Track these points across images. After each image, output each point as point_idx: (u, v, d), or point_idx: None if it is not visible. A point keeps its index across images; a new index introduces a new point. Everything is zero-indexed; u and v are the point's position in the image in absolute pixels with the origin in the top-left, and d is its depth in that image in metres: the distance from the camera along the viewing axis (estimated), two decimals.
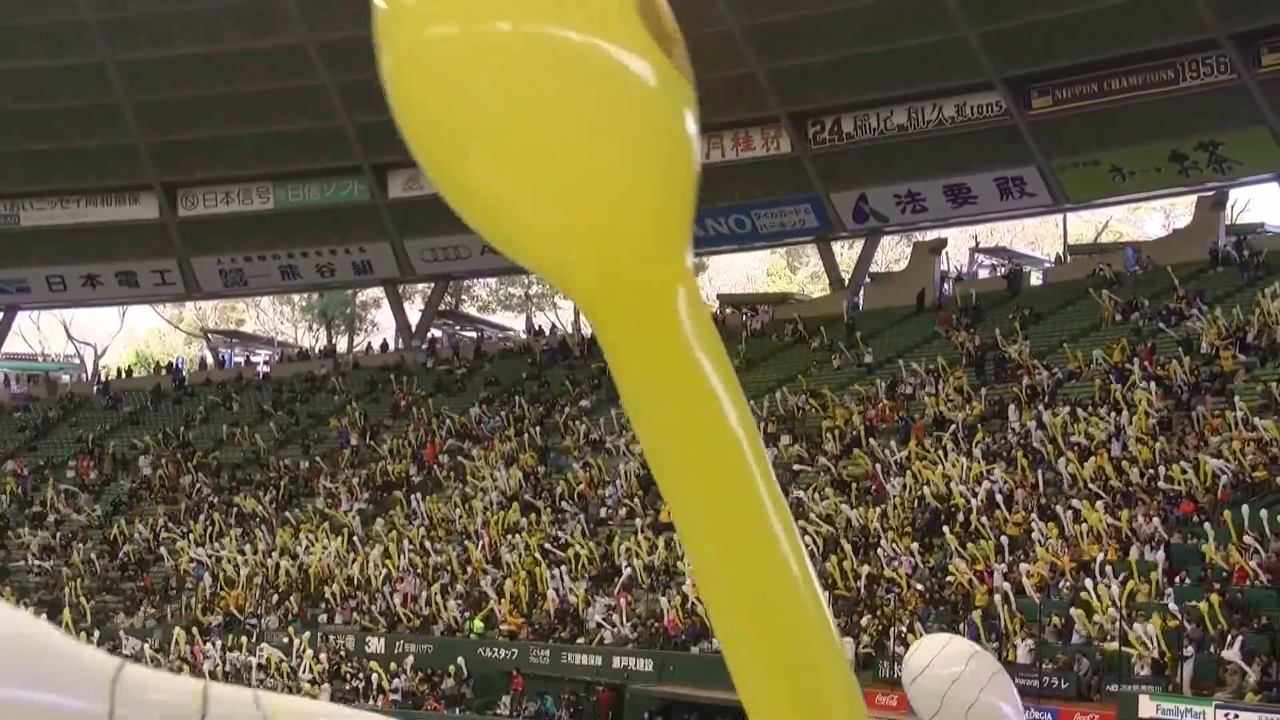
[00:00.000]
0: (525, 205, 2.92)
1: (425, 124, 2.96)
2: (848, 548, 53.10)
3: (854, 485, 57.83)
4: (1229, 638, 41.65)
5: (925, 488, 55.16)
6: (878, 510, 54.93)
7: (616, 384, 3.12)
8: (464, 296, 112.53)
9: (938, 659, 6.96)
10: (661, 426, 3.15)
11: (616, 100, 2.87)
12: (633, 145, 2.92)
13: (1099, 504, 49.48)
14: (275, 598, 65.19)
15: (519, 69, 2.79)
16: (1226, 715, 39.98)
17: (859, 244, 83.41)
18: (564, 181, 2.83)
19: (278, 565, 66.72)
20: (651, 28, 2.88)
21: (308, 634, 61.04)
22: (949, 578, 50.19)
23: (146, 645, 63.65)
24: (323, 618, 62.85)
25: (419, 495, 69.65)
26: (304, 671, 58.99)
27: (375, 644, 59.79)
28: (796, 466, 61.27)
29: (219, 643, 62.07)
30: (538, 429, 73.35)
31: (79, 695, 2.83)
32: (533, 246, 3.05)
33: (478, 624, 58.45)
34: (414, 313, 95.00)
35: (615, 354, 3.08)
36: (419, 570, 62.87)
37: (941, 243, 79.20)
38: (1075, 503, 50.15)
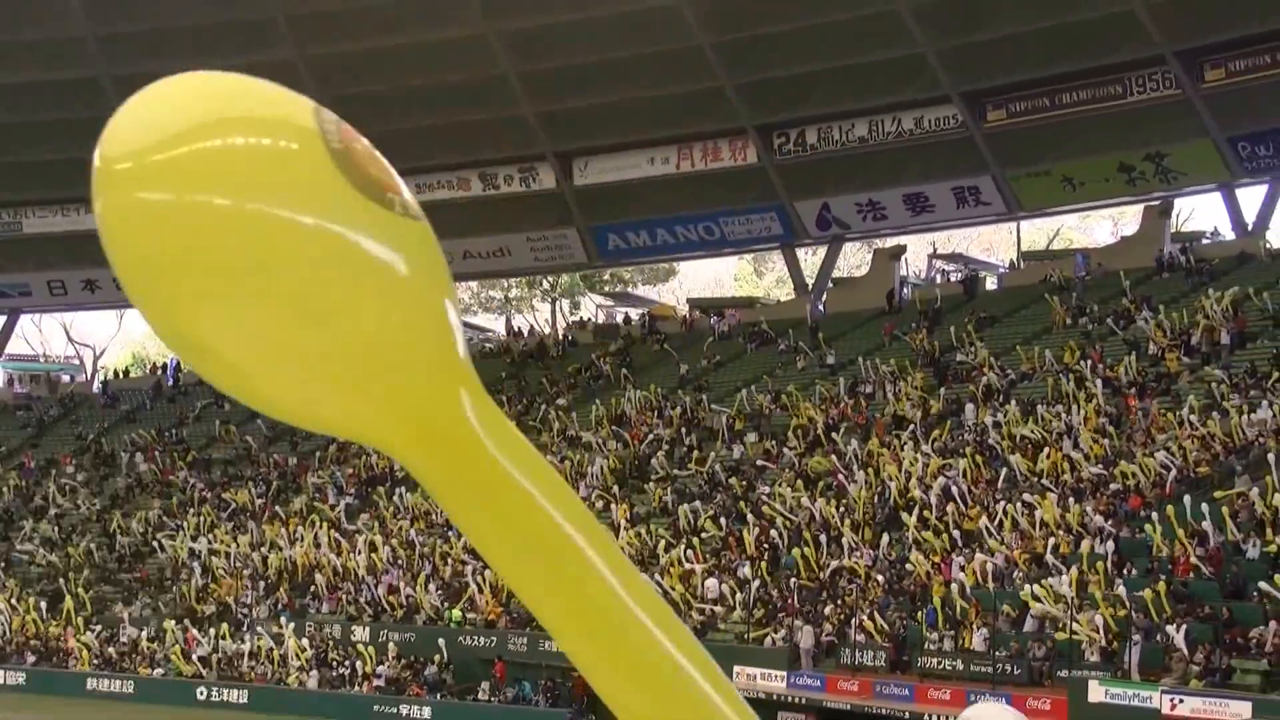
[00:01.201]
0: (253, 376, 2.79)
1: (131, 280, 2.81)
2: (811, 540, 53.12)
3: (820, 482, 57.82)
4: (1174, 626, 41.76)
5: (886, 483, 55.20)
6: (840, 504, 54.98)
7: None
8: None
9: None
10: (488, 537, 3.07)
11: (327, 269, 2.77)
12: (377, 306, 2.79)
13: (1051, 498, 49.55)
14: (265, 588, 65.08)
15: (223, 240, 2.68)
16: (1172, 700, 40.07)
17: (822, 250, 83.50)
18: (287, 354, 2.55)
19: (267, 557, 66.61)
20: (361, 186, 2.75)
21: (296, 623, 60.98)
22: (908, 568, 50.27)
23: (143, 633, 63.58)
24: (310, 607, 62.74)
25: (402, 489, 69.58)
26: (292, 658, 58.93)
27: (360, 632, 59.73)
28: (761, 462, 61.31)
29: (212, 631, 61.98)
30: (516, 426, 73.08)
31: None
32: (276, 408, 2.90)
33: (456, 613, 58.43)
34: None
35: (427, 486, 3.01)
36: (402, 561, 62.81)
37: (901, 249, 79.19)
38: (1028, 497, 50.26)
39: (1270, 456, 45.65)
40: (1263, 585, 41.28)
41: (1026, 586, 45.61)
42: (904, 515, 52.73)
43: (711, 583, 53.98)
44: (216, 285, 2.63)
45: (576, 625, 3.10)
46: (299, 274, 2.53)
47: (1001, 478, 52.85)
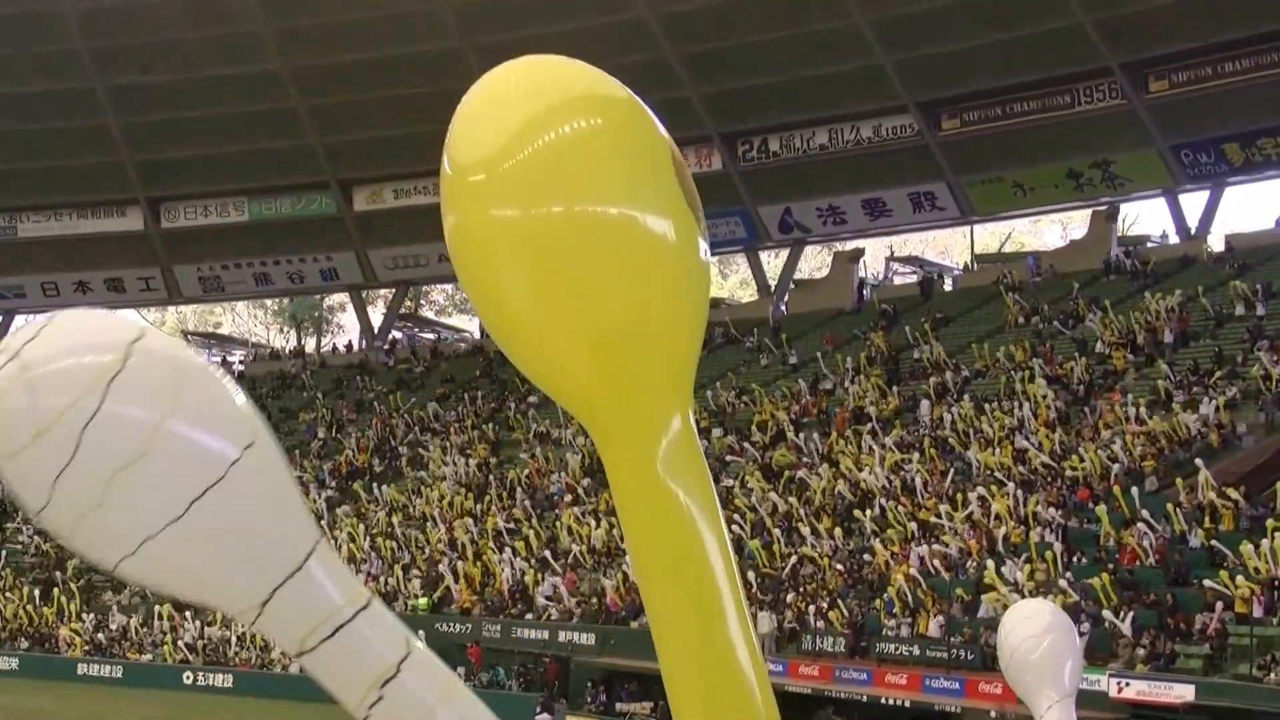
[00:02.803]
0: (561, 356, 3.07)
1: (476, 281, 3.02)
2: (775, 531, 53.12)
3: (783, 474, 57.81)
4: (1120, 612, 41.87)
5: (845, 476, 55.24)
6: (801, 497, 54.99)
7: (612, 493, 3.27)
8: (423, 301, 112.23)
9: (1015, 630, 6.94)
10: (639, 535, 3.24)
11: (646, 272, 2.99)
12: (657, 309, 3.02)
13: (1003, 491, 49.62)
14: None
15: (565, 250, 2.90)
16: (1118, 683, 40.15)
17: (784, 253, 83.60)
18: (593, 337, 2.98)
19: None
20: (687, 195, 3.06)
21: None
22: (867, 557, 50.32)
23: (132, 620, 63.41)
24: None
25: (381, 483, 69.54)
26: (274, 645, 58.73)
27: None
28: (728, 457, 61.31)
29: (198, 618, 61.84)
30: (490, 423, 73.27)
31: (298, 525, 2.95)
32: (562, 384, 3.20)
33: (423, 603, 58.36)
34: (376, 316, 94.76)
35: (611, 469, 3.23)
36: (381, 553, 62.71)
37: (860, 252, 79.29)
38: (981, 489, 50.33)
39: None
40: (1208, 583, 41.37)
41: (990, 564, 45.64)
42: (862, 507, 52.79)
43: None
44: (556, 286, 2.89)
45: (681, 627, 3.20)
46: (610, 260, 2.88)
47: (956, 471, 52.94)
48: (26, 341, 2.87)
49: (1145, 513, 45.16)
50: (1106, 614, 42.05)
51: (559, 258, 2.89)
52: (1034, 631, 6.73)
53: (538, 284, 2.95)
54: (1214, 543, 43.03)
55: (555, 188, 2.87)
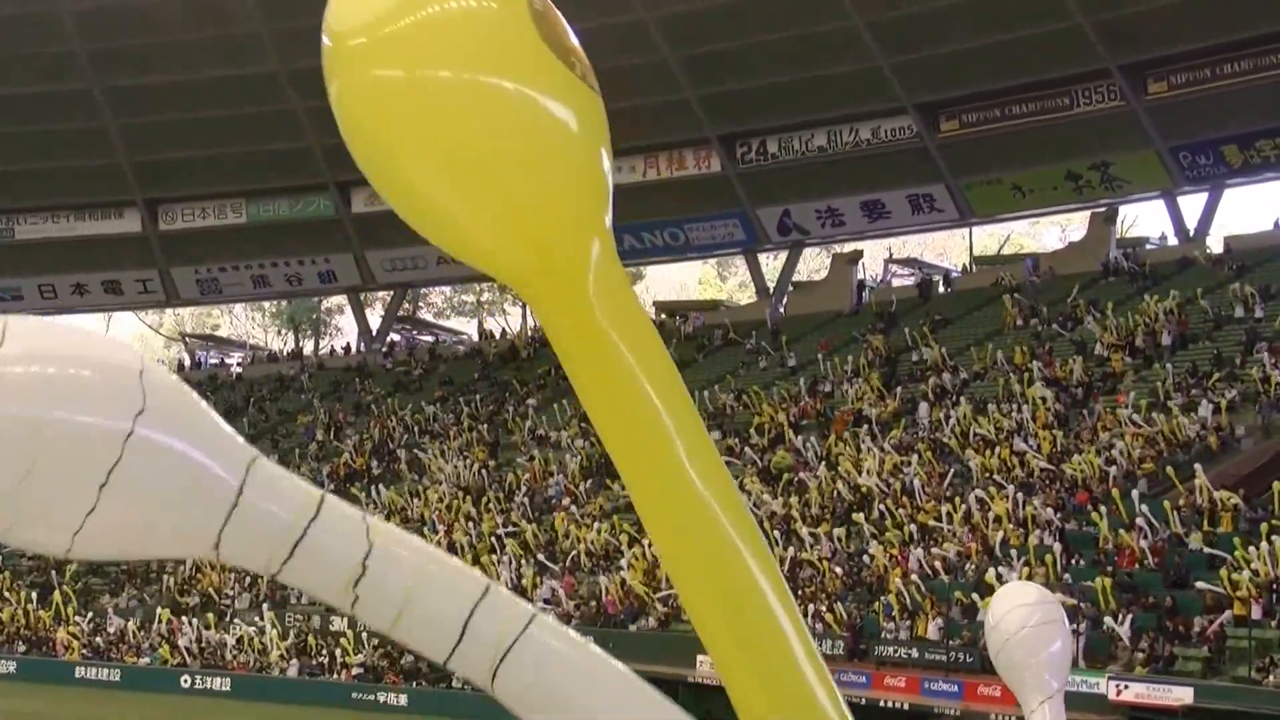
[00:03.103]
0: (457, 212, 3.14)
1: (367, 146, 3.12)
2: (773, 534, 53.11)
3: (781, 476, 57.78)
4: (1119, 615, 41.88)
5: (843, 479, 55.24)
6: (800, 499, 54.98)
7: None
8: (421, 303, 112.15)
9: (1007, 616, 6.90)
10: (584, 386, 3.31)
11: (529, 123, 3.07)
12: (545, 157, 3.10)
13: (1002, 493, 49.62)
14: (247, 580, 64.89)
15: (448, 107, 2.99)
16: (1117, 686, 40.18)
17: (783, 255, 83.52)
18: (489, 192, 3.03)
19: None
20: (554, 48, 3.11)
21: (276, 613, 60.88)
22: (866, 559, 50.32)
23: (130, 623, 63.39)
24: (290, 598, 62.56)
25: (379, 486, 69.53)
26: (273, 647, 58.79)
27: (339, 622, 59.56)
28: (726, 459, 61.22)
29: (196, 621, 61.82)
30: (488, 425, 73.24)
31: (222, 464, 2.98)
32: (466, 244, 3.30)
33: None
34: (375, 318, 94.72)
35: (546, 325, 3.33)
36: None
37: (858, 254, 79.27)
38: (980, 492, 50.34)
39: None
40: (1200, 584, 41.41)
41: (979, 578, 45.65)
42: (861, 510, 52.79)
43: None
44: (436, 148, 2.99)
45: (648, 486, 3.24)
46: (498, 132, 2.97)
47: (955, 473, 52.94)
48: None
49: (1144, 514, 45.17)
50: (1107, 620, 42.07)
51: (447, 121, 3.00)
52: (1027, 618, 6.68)
53: (427, 149, 3.05)
54: (1214, 545, 43.05)
55: (442, 53, 2.98)
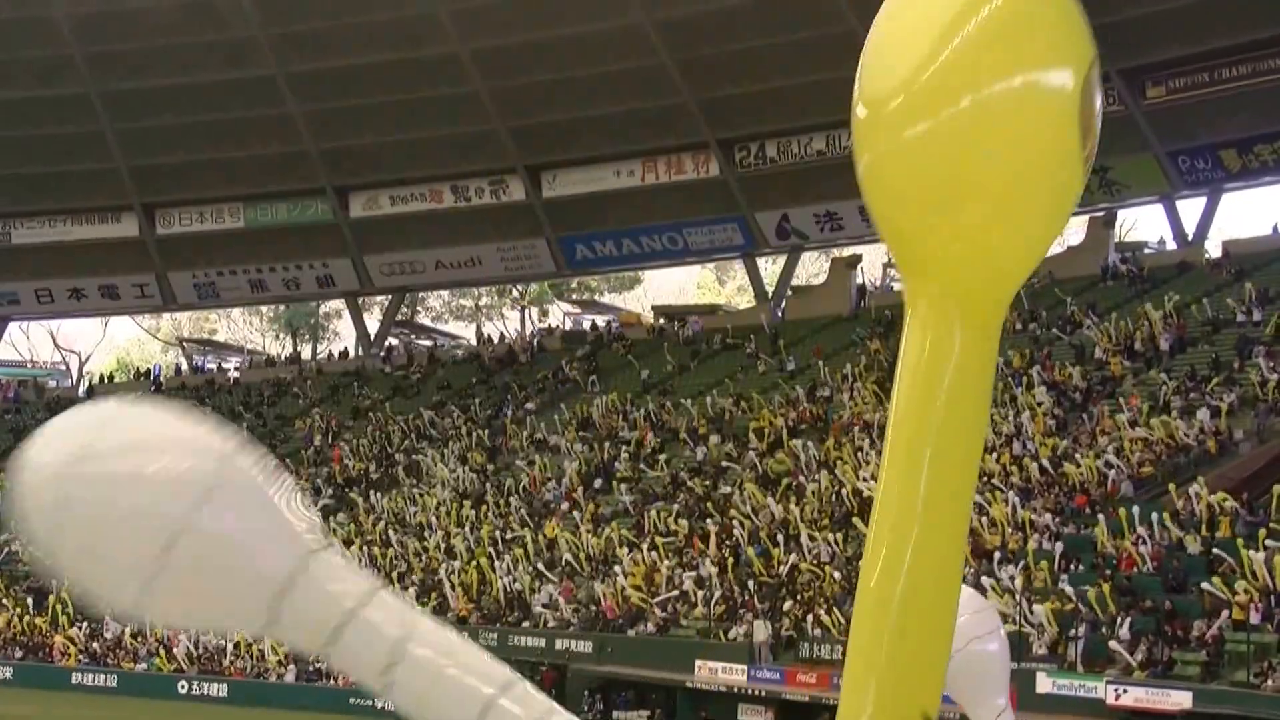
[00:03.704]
0: (964, 250, 3.33)
1: (901, 211, 3.18)
2: (770, 538, 53.12)
3: (780, 481, 57.77)
4: (1118, 620, 41.89)
5: (842, 483, 55.24)
6: (799, 504, 54.97)
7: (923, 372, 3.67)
8: (419, 308, 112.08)
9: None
10: (966, 409, 3.62)
11: (1041, 181, 3.20)
12: (1041, 210, 3.28)
13: (1001, 497, 49.63)
14: None
15: (967, 134, 3.11)
16: (1116, 690, 40.17)
17: (782, 259, 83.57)
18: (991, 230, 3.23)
19: None
20: (1083, 123, 3.12)
21: None
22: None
23: (127, 629, 63.34)
24: None
25: (377, 491, 69.51)
26: (270, 653, 58.76)
27: None
28: (725, 464, 61.29)
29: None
30: (486, 430, 73.22)
31: (278, 552, 3.29)
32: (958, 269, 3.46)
33: None
34: (373, 323, 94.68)
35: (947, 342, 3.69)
36: (378, 561, 62.65)
37: (857, 258, 79.29)
38: (978, 496, 50.33)
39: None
40: (1205, 585, 41.40)
41: (977, 582, 45.65)
42: (860, 514, 52.78)
43: (690, 577, 53.91)
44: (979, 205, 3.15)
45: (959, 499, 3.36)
46: (1031, 192, 3.10)
47: None
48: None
49: (1143, 519, 45.18)
50: (1111, 640, 42.10)
51: (959, 169, 3.13)
52: (979, 630, 6.63)
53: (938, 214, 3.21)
54: (1213, 549, 43.08)
55: (966, 79, 2.99)
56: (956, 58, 2.96)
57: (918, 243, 3.27)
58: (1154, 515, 45.04)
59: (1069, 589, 43.52)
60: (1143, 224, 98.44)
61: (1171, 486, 46.49)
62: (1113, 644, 41.60)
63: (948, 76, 2.97)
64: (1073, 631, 42.43)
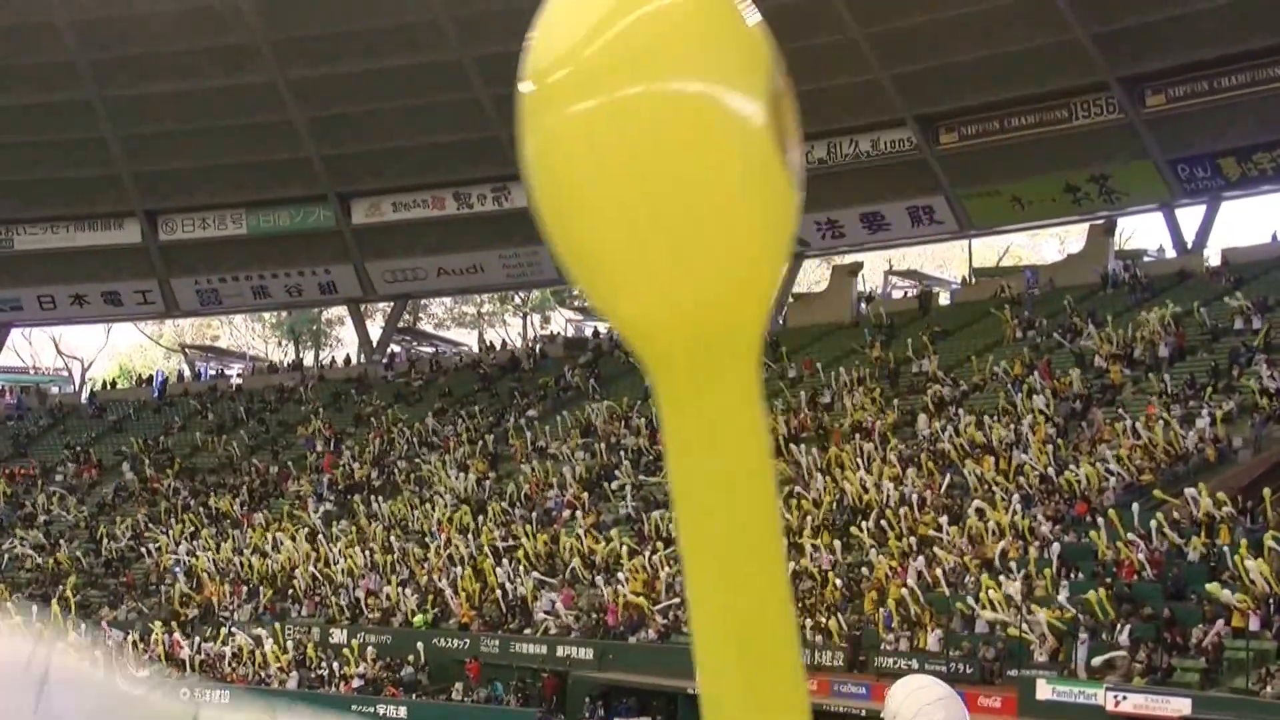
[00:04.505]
0: (631, 266, 2.71)
1: (566, 198, 2.77)
2: None
3: (781, 488, 57.68)
4: (1118, 626, 41.92)
5: (843, 490, 55.27)
6: (800, 510, 55.00)
7: (673, 440, 2.96)
8: (421, 314, 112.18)
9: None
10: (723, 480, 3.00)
11: (729, 163, 2.76)
12: (738, 221, 2.80)
13: (1001, 505, 49.66)
14: (246, 592, 64.86)
15: (639, 139, 2.67)
16: (1115, 697, 40.19)
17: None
18: (675, 248, 2.67)
19: (249, 562, 66.40)
20: (775, 128, 2.78)
21: (276, 625, 60.84)
22: (864, 570, 50.34)
23: (129, 636, 63.30)
24: (290, 610, 62.59)
25: (379, 497, 69.50)
26: (273, 660, 58.76)
27: (339, 635, 59.56)
28: None
29: (195, 634, 61.80)
30: (489, 436, 73.20)
31: None
32: (634, 306, 2.90)
33: (418, 619, 58.38)
34: (375, 329, 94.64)
35: (684, 405, 2.95)
36: (380, 567, 62.67)
37: (858, 266, 79.33)
38: (979, 503, 50.37)
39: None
40: (1208, 587, 41.42)
41: (978, 589, 45.67)
42: (860, 521, 52.82)
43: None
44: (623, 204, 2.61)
45: (726, 595, 3.08)
46: (698, 202, 2.59)
47: (954, 485, 52.99)
48: None
49: (1142, 526, 45.20)
50: (1118, 633, 42.14)
51: (632, 148, 2.72)
52: (928, 699, 6.69)
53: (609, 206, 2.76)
54: (1211, 557, 43.12)
55: (639, 66, 2.68)
56: (631, 37, 2.73)
57: (603, 263, 2.84)
58: (1152, 523, 45.07)
59: (1068, 596, 43.56)
60: (1142, 232, 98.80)
61: (1157, 493, 46.51)
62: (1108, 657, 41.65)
63: (620, 54, 2.73)
64: (1081, 638, 42.42)
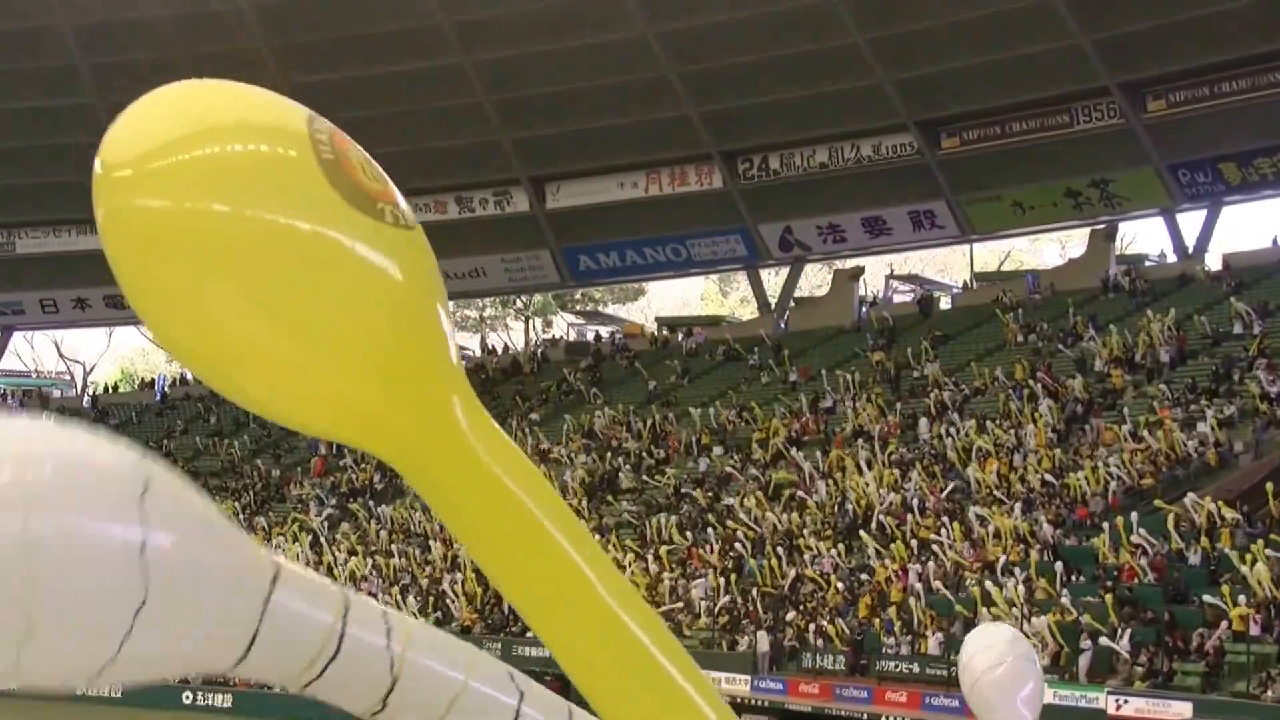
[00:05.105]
0: (245, 377, 2.73)
1: (124, 281, 2.77)
2: (774, 549, 53.12)
3: (783, 492, 57.78)
4: (1119, 631, 41.90)
5: (845, 494, 55.27)
6: (802, 515, 55.00)
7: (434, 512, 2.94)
8: None
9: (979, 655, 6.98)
10: (477, 536, 2.98)
11: (339, 266, 2.67)
12: (369, 302, 2.69)
13: (1002, 509, 49.66)
14: None
15: (219, 246, 2.61)
16: (1117, 701, 40.19)
17: (784, 271, 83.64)
18: (282, 355, 2.64)
19: None
20: (351, 197, 2.68)
21: None
22: (865, 575, 50.32)
23: None
24: None
25: (381, 502, 69.52)
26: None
27: None
28: (728, 470, 61.34)
29: None
30: None
31: (249, 574, 2.64)
32: (269, 409, 2.81)
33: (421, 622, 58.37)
34: None
35: (419, 483, 2.88)
36: (382, 571, 62.69)
37: (860, 270, 79.32)
38: (980, 507, 50.36)
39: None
40: (1207, 597, 41.40)
41: (980, 593, 45.66)
42: (862, 525, 52.82)
43: (699, 584, 53.89)
44: (214, 289, 2.61)
45: (560, 621, 3.10)
46: (294, 278, 2.58)
47: (956, 489, 52.97)
48: None
49: (1143, 530, 45.20)
50: (1104, 639, 42.10)
51: (227, 257, 2.62)
52: (995, 659, 6.76)
53: (236, 284, 2.64)
54: (1212, 561, 43.12)
55: (214, 188, 2.67)
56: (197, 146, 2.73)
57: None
58: (1155, 527, 45.07)
59: (1070, 600, 43.55)
60: (1143, 237, 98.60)
61: (1159, 502, 46.49)
62: (1104, 639, 41.64)
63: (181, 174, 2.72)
64: (1083, 644, 42.39)
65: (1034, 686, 6.86)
